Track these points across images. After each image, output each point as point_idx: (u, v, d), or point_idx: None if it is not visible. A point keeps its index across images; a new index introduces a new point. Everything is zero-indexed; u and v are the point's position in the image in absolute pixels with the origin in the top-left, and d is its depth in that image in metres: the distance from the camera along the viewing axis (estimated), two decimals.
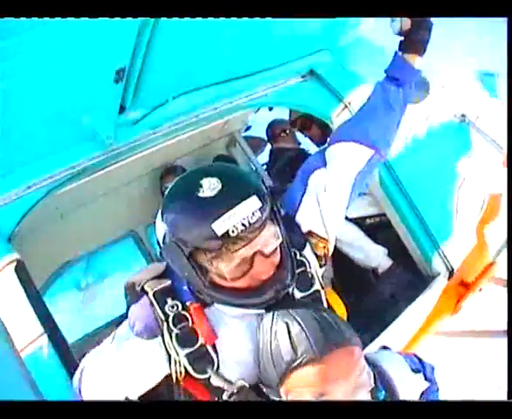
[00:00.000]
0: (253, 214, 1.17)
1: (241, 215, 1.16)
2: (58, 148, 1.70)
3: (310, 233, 1.45)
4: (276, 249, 1.26)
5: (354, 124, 1.56)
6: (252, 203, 1.19)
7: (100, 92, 1.57)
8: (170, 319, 1.25)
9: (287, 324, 1.14)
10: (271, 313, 1.20)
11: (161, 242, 1.28)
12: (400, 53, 1.52)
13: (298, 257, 1.37)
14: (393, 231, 2.28)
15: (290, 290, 1.29)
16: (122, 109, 1.73)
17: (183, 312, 1.26)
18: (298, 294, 1.33)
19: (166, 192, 1.26)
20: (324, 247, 1.46)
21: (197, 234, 1.17)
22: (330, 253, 1.52)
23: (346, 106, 2.18)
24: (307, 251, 1.41)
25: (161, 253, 1.27)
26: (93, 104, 1.60)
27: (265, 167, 3.64)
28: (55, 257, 3.01)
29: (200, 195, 1.15)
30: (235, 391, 1.13)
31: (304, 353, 1.08)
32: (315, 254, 1.43)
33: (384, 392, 1.04)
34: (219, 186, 1.16)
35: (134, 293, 1.31)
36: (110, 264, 3.36)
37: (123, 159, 1.89)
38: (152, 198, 3.20)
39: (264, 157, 3.76)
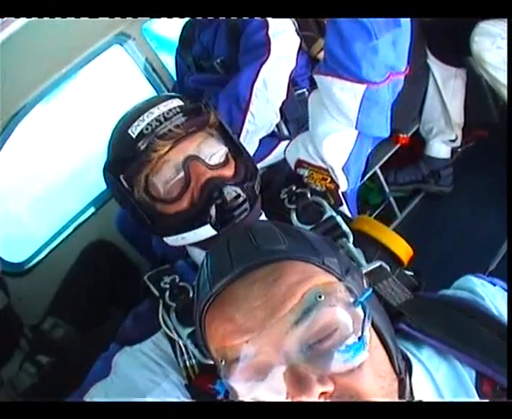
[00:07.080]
0: (170, 110, 1.07)
1: (157, 113, 1.07)
2: None
3: (300, 163, 1.28)
4: (227, 162, 1.11)
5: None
6: (172, 103, 1.10)
7: None
8: (167, 295, 1.06)
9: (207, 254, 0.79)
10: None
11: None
12: None
13: (296, 189, 1.21)
14: None
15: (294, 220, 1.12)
16: None
17: (182, 284, 1.07)
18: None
19: None
20: (324, 179, 1.24)
21: (118, 147, 1.11)
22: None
23: None
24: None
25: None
26: None
27: None
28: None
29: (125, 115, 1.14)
30: None
31: (202, 293, 0.72)
32: (315, 190, 1.22)
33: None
34: (143, 102, 1.14)
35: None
36: None
37: None
38: None
39: None
